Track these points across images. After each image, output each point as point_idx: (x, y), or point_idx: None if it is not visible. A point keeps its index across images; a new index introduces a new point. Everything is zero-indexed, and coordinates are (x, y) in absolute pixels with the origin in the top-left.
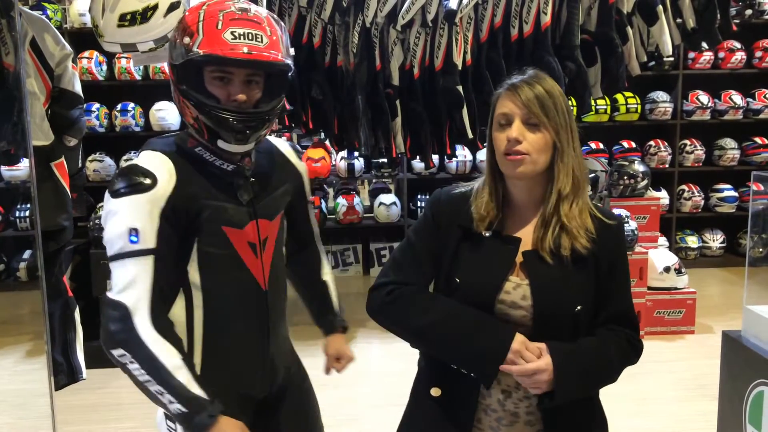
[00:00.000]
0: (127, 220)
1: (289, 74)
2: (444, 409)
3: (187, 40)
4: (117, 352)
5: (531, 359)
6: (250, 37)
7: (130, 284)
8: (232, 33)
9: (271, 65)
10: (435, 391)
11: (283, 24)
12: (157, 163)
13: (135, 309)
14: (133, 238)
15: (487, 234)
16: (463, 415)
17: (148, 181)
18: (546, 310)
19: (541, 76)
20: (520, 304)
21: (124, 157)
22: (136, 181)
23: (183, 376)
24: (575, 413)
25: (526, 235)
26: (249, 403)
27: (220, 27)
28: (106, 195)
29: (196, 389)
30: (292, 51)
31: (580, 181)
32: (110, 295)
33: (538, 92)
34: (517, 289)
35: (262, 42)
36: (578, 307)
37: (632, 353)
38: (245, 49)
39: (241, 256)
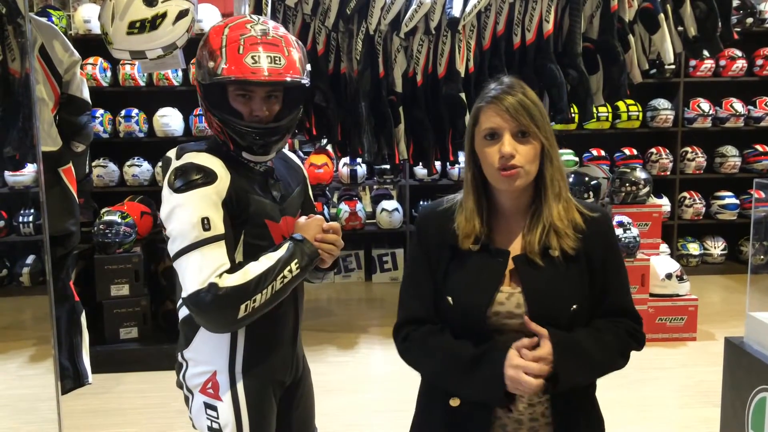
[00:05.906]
0: (198, 210)
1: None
2: (460, 418)
3: (212, 63)
4: (242, 313)
5: (533, 368)
6: (270, 60)
7: (211, 267)
8: (252, 57)
9: (286, 85)
10: (454, 402)
11: (300, 43)
12: (210, 160)
13: (221, 280)
14: (206, 226)
15: (475, 249)
16: (479, 421)
17: (209, 176)
18: (542, 315)
19: (519, 83)
20: (516, 312)
21: (128, 163)
22: (198, 176)
23: (279, 252)
24: (579, 419)
25: (516, 242)
26: (280, 389)
27: (241, 52)
28: (167, 193)
29: (287, 243)
30: (308, 67)
31: (564, 181)
32: (197, 285)
33: (523, 101)
34: (510, 299)
35: (280, 63)
36: (574, 306)
37: (632, 342)
38: (265, 72)
39: None
